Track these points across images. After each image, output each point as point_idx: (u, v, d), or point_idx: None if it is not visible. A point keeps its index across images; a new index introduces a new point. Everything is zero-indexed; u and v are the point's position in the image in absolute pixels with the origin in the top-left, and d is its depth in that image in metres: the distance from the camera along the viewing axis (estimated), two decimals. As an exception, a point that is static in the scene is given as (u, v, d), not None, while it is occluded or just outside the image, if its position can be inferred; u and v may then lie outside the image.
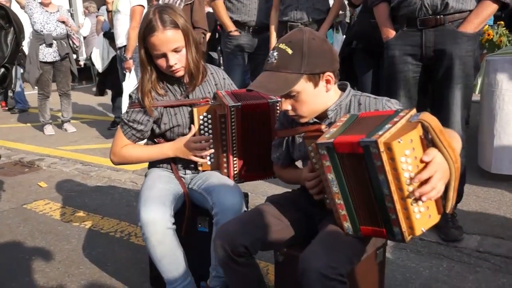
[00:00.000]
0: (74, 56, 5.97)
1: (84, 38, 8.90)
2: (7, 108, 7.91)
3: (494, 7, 2.27)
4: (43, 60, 5.43)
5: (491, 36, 4.06)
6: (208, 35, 5.05)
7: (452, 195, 1.28)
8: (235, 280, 1.61)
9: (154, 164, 2.05)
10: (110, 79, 5.99)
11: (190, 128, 1.97)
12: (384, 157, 1.18)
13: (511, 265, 2.23)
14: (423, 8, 2.32)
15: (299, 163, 1.80)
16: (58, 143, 5.21)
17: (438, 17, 2.31)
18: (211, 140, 1.95)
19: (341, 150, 1.28)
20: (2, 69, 2.10)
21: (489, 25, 4.44)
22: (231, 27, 3.72)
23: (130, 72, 4.58)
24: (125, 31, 4.67)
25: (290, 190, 1.82)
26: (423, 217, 1.25)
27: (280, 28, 3.58)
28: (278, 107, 1.94)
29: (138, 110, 1.91)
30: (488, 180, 3.25)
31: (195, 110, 1.93)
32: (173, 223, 1.78)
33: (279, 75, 1.45)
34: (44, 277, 2.32)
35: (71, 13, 7.17)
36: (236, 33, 3.71)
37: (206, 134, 1.96)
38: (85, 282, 2.26)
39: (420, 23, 2.35)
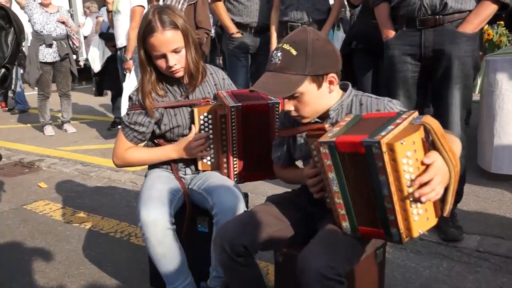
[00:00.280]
0: (74, 56, 5.98)
1: (86, 37, 8.90)
2: (7, 108, 7.91)
3: (493, 8, 2.27)
4: (43, 61, 5.43)
5: (491, 36, 4.06)
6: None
7: (450, 198, 1.29)
8: (235, 280, 1.61)
9: (154, 164, 2.05)
10: (107, 79, 6.01)
11: (190, 129, 1.97)
12: (386, 158, 1.19)
13: (511, 265, 2.23)
14: (422, 8, 2.32)
15: (299, 164, 1.80)
16: (58, 144, 5.21)
17: (437, 17, 2.31)
18: (211, 136, 1.95)
19: (343, 150, 1.28)
20: (3, 70, 2.10)
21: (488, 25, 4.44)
22: (233, 29, 3.71)
23: (130, 73, 4.58)
24: (125, 32, 4.67)
25: (290, 190, 1.82)
26: (421, 219, 1.25)
27: (280, 28, 3.58)
28: (277, 108, 1.94)
29: (139, 112, 1.91)
30: (488, 180, 3.25)
31: (195, 110, 1.93)
32: (173, 223, 1.78)
33: (283, 76, 1.44)
34: (44, 278, 2.32)
35: (71, 14, 7.18)
36: (239, 35, 3.71)
37: (205, 133, 1.96)
38: (85, 283, 2.27)
39: (420, 23, 2.36)
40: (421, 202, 1.22)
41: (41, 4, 5.49)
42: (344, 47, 3.35)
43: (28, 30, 5.84)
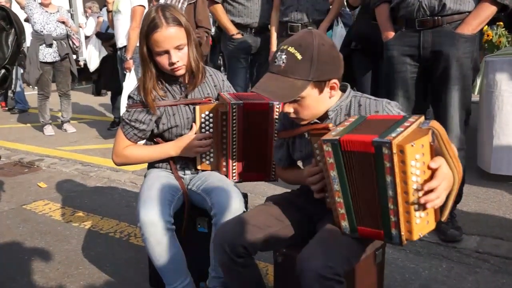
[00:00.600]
0: (74, 56, 5.98)
1: (88, 37, 8.90)
2: (7, 108, 7.91)
3: (493, 9, 2.27)
4: (43, 61, 5.43)
5: (490, 37, 4.06)
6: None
7: (450, 204, 1.30)
8: (235, 281, 1.61)
9: (153, 164, 2.05)
10: (104, 79, 6.04)
11: (188, 129, 1.97)
12: (395, 159, 1.19)
13: (510, 266, 2.23)
14: (421, 9, 2.33)
15: (299, 165, 1.81)
16: (57, 144, 5.21)
17: (436, 18, 2.32)
18: (211, 139, 1.96)
19: (350, 148, 1.29)
20: (3, 70, 2.10)
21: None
22: (233, 30, 3.70)
23: (130, 72, 4.59)
24: (125, 32, 4.67)
25: (289, 190, 1.82)
26: (422, 222, 1.26)
27: (280, 29, 3.58)
28: (278, 109, 1.94)
29: (140, 109, 1.92)
30: (488, 181, 3.26)
31: (197, 108, 1.93)
32: (173, 224, 1.78)
33: (286, 80, 1.43)
34: (43, 278, 2.32)
35: (71, 14, 7.18)
36: (239, 36, 3.71)
37: (207, 133, 1.96)
38: (84, 283, 2.27)
39: (419, 24, 2.36)
40: (425, 208, 1.24)
41: (41, 4, 5.49)
42: (343, 47, 3.36)
43: (27, 30, 5.83)
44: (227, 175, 1.96)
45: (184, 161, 2.02)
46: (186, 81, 1.96)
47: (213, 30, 6.01)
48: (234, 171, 1.96)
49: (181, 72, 1.88)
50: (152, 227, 1.72)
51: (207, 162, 2.00)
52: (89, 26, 8.83)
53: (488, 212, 2.81)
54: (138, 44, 2.11)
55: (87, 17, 9.30)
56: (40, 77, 5.45)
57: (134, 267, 2.38)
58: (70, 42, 5.63)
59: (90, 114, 7.05)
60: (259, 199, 3.01)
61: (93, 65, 6.15)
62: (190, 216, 1.97)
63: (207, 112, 1.95)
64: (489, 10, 2.27)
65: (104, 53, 5.87)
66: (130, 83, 4.45)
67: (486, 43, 4.07)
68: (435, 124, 1.27)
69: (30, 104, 7.69)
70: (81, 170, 4.13)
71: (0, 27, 2.08)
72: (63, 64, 5.61)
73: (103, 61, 6.04)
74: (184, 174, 2.04)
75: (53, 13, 5.50)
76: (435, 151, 1.26)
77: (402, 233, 1.26)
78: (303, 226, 1.64)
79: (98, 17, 7.48)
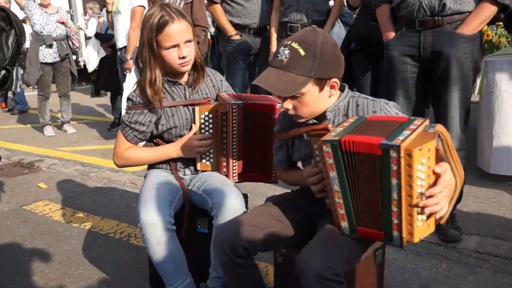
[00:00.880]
0: (74, 57, 5.99)
1: (90, 38, 8.91)
2: (7, 109, 7.92)
3: (493, 9, 2.27)
4: (43, 61, 5.43)
5: (490, 37, 4.06)
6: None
7: (450, 208, 1.31)
8: (235, 281, 1.61)
9: (153, 165, 2.06)
10: (102, 79, 6.05)
11: (187, 129, 1.97)
12: (403, 162, 1.20)
13: (510, 266, 2.24)
14: (422, 9, 2.33)
15: (299, 165, 1.81)
16: (57, 144, 5.21)
17: (436, 18, 2.32)
18: (211, 140, 1.96)
19: (353, 149, 1.29)
20: (3, 71, 2.10)
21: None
22: (231, 31, 3.69)
23: (130, 73, 4.58)
24: (125, 32, 4.67)
25: (289, 191, 1.82)
26: (423, 225, 1.27)
27: (280, 29, 3.58)
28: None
29: (140, 111, 1.92)
30: (487, 181, 3.26)
31: (197, 108, 1.94)
32: (173, 224, 1.79)
33: (288, 75, 1.44)
34: (43, 278, 2.32)
35: (71, 15, 7.19)
36: (237, 37, 3.70)
37: (207, 133, 1.97)
38: (84, 283, 2.27)
39: (419, 24, 2.36)
40: (424, 213, 1.24)
41: (40, 4, 5.49)
42: (343, 48, 3.36)
43: (26, 31, 5.82)
44: (227, 176, 1.96)
45: (184, 162, 2.02)
46: (186, 82, 1.97)
47: (212, 30, 6.01)
48: (234, 171, 1.96)
49: (187, 67, 1.89)
50: (152, 227, 1.73)
51: (207, 162, 2.00)
52: (91, 27, 8.84)
53: (488, 212, 2.81)
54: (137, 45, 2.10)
55: (88, 18, 9.31)
56: (40, 78, 5.45)
57: (134, 267, 2.38)
58: (70, 43, 5.63)
59: (90, 115, 7.05)
60: (259, 199, 3.01)
61: (91, 66, 6.17)
62: (190, 216, 1.97)
63: (206, 113, 1.95)
64: (490, 10, 2.27)
65: (103, 53, 5.88)
66: (130, 83, 4.45)
67: (486, 43, 4.07)
68: (440, 128, 1.27)
69: (30, 105, 7.70)
70: (81, 170, 4.13)
71: (0, 28, 2.08)
72: (63, 64, 5.61)
73: (102, 61, 6.05)
74: (184, 175, 2.04)
75: (53, 14, 5.50)
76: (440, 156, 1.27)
77: (403, 235, 1.27)
78: (303, 226, 1.65)
79: (98, 17, 7.48)
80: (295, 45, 1.43)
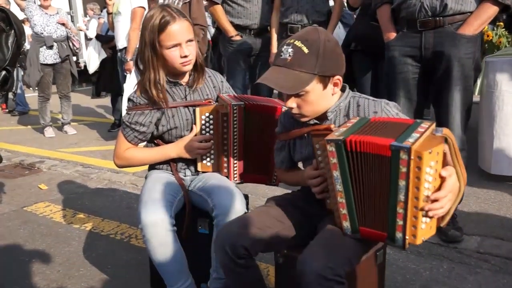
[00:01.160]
0: (74, 58, 5.99)
1: (91, 39, 8.92)
2: (7, 110, 7.93)
3: (494, 9, 2.27)
4: (43, 62, 5.43)
5: (491, 37, 4.06)
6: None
7: (451, 212, 1.32)
8: (236, 282, 1.61)
9: (154, 165, 2.06)
10: (103, 80, 6.05)
11: (188, 130, 1.98)
12: (412, 164, 1.20)
13: (511, 266, 2.23)
14: (423, 9, 2.33)
15: (300, 166, 1.81)
16: (58, 145, 5.21)
17: (438, 18, 2.32)
18: (211, 141, 1.96)
19: (361, 149, 1.29)
20: (3, 72, 2.10)
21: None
22: (232, 32, 3.70)
23: (130, 74, 4.59)
24: (125, 33, 4.67)
25: (290, 191, 1.82)
26: (426, 227, 1.28)
27: (280, 30, 3.58)
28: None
29: (140, 112, 1.92)
30: (488, 181, 3.25)
31: (197, 109, 1.94)
32: (174, 225, 1.78)
33: (293, 72, 1.44)
34: (44, 280, 2.32)
35: (71, 16, 7.19)
36: (238, 38, 3.70)
37: (208, 134, 1.97)
38: (85, 284, 2.27)
39: (420, 24, 2.36)
40: (428, 216, 1.25)
41: (40, 6, 5.50)
42: (343, 48, 3.36)
43: (26, 32, 5.81)
44: (228, 177, 1.96)
45: (185, 163, 2.02)
46: (187, 82, 1.97)
47: (212, 31, 6.01)
48: (235, 172, 1.96)
49: (189, 67, 1.90)
50: (153, 228, 1.73)
51: (208, 163, 2.00)
52: (92, 28, 8.84)
53: (489, 212, 2.81)
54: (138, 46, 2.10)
55: (88, 19, 9.30)
56: (40, 79, 5.45)
57: (135, 268, 2.38)
58: (70, 44, 5.64)
59: (91, 116, 7.06)
60: (260, 200, 3.01)
61: (92, 67, 6.18)
62: (191, 217, 1.97)
63: (207, 114, 1.95)
64: (491, 10, 2.27)
65: (104, 55, 5.89)
66: (130, 84, 4.46)
67: (486, 44, 4.07)
68: (447, 132, 1.28)
69: (31, 106, 7.70)
70: (82, 172, 4.13)
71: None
72: (64, 66, 5.61)
73: (103, 63, 6.05)
74: (185, 176, 2.04)
75: (53, 15, 5.50)
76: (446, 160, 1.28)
77: (407, 237, 1.27)
78: (304, 227, 1.64)
79: (99, 18, 7.49)
80: (298, 43, 1.44)
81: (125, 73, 4.67)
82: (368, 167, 1.30)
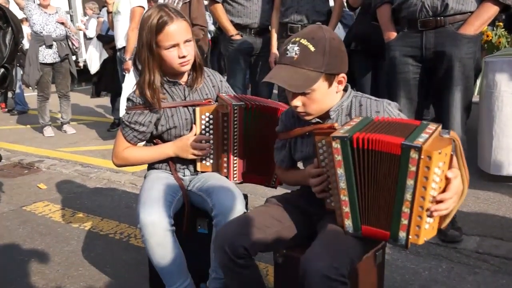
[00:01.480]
0: (73, 57, 5.98)
1: (91, 39, 8.91)
2: (6, 110, 7.92)
3: (495, 9, 2.27)
4: (43, 62, 5.43)
5: (490, 37, 4.06)
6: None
7: (452, 214, 1.33)
8: (235, 282, 1.61)
9: (153, 165, 2.05)
10: (104, 80, 6.04)
11: (187, 130, 1.97)
12: (422, 164, 1.20)
13: (510, 266, 2.23)
14: (424, 9, 2.32)
15: (300, 165, 1.80)
16: (57, 145, 5.21)
17: (439, 18, 2.31)
18: (211, 141, 1.96)
19: (371, 147, 1.29)
20: (2, 70, 2.10)
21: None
22: (232, 31, 3.69)
23: (128, 73, 4.58)
24: (125, 33, 4.67)
25: (289, 191, 1.82)
26: (429, 227, 1.28)
27: (280, 30, 3.58)
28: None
29: (139, 112, 1.92)
30: (488, 181, 3.25)
31: (197, 109, 1.94)
32: (173, 225, 1.78)
33: (299, 71, 1.44)
34: (43, 279, 2.32)
35: (70, 15, 7.19)
36: (238, 37, 3.69)
37: (207, 134, 1.96)
38: (84, 284, 2.26)
39: (421, 24, 2.36)
40: (432, 216, 1.26)
41: (40, 5, 5.49)
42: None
43: (25, 31, 5.83)
44: (227, 177, 1.96)
45: (184, 162, 2.02)
46: (186, 82, 1.96)
47: (212, 28, 6.00)
48: (235, 172, 1.95)
49: (187, 67, 1.89)
50: (152, 228, 1.72)
51: (207, 163, 2.00)
52: (91, 27, 8.84)
53: (488, 212, 2.81)
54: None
55: (87, 19, 9.30)
56: (40, 78, 5.45)
57: (134, 268, 2.38)
58: (70, 43, 5.63)
59: (90, 115, 7.05)
60: (260, 200, 3.00)
61: (94, 68, 6.14)
62: (191, 217, 1.97)
63: (207, 114, 1.95)
64: (492, 10, 2.27)
65: (105, 55, 5.87)
66: (129, 84, 4.45)
67: (486, 44, 4.07)
68: (454, 134, 1.29)
69: (30, 106, 7.70)
70: (81, 171, 4.13)
71: None
72: (63, 65, 5.61)
73: (104, 63, 6.03)
74: (184, 175, 2.03)
75: (52, 14, 5.50)
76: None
77: (410, 237, 1.28)
78: (303, 226, 1.64)
79: (98, 17, 7.48)
80: (304, 41, 1.44)
81: (124, 73, 4.66)
82: (375, 165, 1.30)
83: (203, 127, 1.96)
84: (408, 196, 1.24)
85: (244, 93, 3.81)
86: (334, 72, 1.47)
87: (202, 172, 2.01)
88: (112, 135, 5.34)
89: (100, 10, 8.16)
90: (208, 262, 1.90)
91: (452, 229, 2.44)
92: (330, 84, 1.49)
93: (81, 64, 9.86)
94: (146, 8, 4.55)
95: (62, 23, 5.52)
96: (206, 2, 4.13)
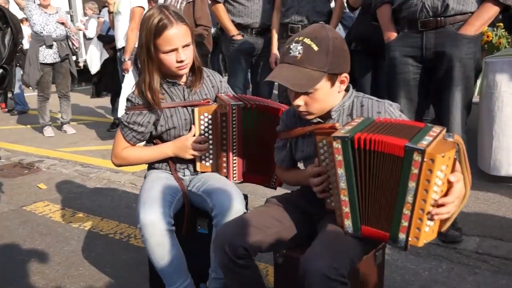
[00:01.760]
0: (74, 57, 5.98)
1: (91, 39, 8.91)
2: (6, 110, 7.92)
3: (495, 10, 2.27)
4: (43, 62, 5.43)
5: (490, 38, 4.07)
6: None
7: (453, 218, 1.32)
8: (235, 282, 1.61)
9: (153, 165, 2.05)
10: (105, 80, 6.04)
11: (187, 130, 1.97)
12: (424, 166, 1.20)
13: (510, 267, 2.23)
14: (424, 10, 2.32)
15: (300, 165, 1.80)
16: (57, 145, 5.21)
17: (439, 19, 2.31)
18: (210, 142, 1.96)
19: (373, 148, 1.29)
20: (1, 70, 2.10)
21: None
22: (233, 31, 3.69)
23: (128, 73, 4.58)
24: (125, 33, 4.67)
25: (289, 191, 1.82)
26: (429, 230, 1.28)
27: (281, 30, 3.58)
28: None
29: (138, 112, 1.92)
30: (488, 182, 3.25)
31: (196, 110, 1.93)
32: (173, 225, 1.78)
33: (303, 70, 1.43)
34: (43, 279, 2.32)
35: (70, 15, 7.19)
36: (239, 37, 3.70)
37: (206, 134, 1.96)
38: (84, 284, 2.26)
39: (421, 25, 2.36)
40: (433, 220, 1.26)
41: (40, 5, 5.49)
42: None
43: (25, 31, 5.82)
44: (227, 177, 1.96)
45: (184, 162, 2.01)
46: (184, 83, 1.96)
47: (213, 31, 5.99)
48: (234, 172, 1.95)
49: (185, 71, 1.89)
50: (152, 228, 1.72)
51: (207, 163, 2.00)
52: (91, 28, 8.83)
53: (488, 213, 2.81)
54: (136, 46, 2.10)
55: (87, 19, 9.29)
56: (40, 78, 5.45)
57: (134, 268, 2.38)
58: (70, 43, 5.64)
59: (90, 116, 7.05)
60: (260, 200, 3.00)
61: (94, 68, 6.14)
62: (190, 217, 1.96)
63: (206, 114, 1.95)
64: (492, 11, 2.27)
65: (106, 55, 5.87)
66: (128, 84, 4.45)
67: (486, 44, 4.07)
68: (459, 138, 1.29)
69: (30, 106, 7.70)
70: (81, 171, 4.13)
71: None
72: (63, 65, 5.61)
73: (105, 63, 6.03)
74: (184, 175, 2.03)
75: (52, 14, 5.50)
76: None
77: (410, 239, 1.27)
78: (303, 226, 1.64)
79: (98, 18, 7.48)
80: (307, 40, 1.43)
81: (123, 73, 4.67)
82: (376, 166, 1.30)
83: (202, 127, 1.96)
84: (409, 198, 1.24)
85: (244, 93, 3.81)
86: (337, 72, 1.47)
87: (202, 172, 2.01)
88: (112, 135, 5.32)
89: (100, 10, 8.16)
90: (208, 262, 1.90)
91: (452, 229, 2.44)
92: (332, 84, 1.49)
93: (81, 64, 9.86)
94: (146, 9, 4.55)
95: (62, 23, 5.52)
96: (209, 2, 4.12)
